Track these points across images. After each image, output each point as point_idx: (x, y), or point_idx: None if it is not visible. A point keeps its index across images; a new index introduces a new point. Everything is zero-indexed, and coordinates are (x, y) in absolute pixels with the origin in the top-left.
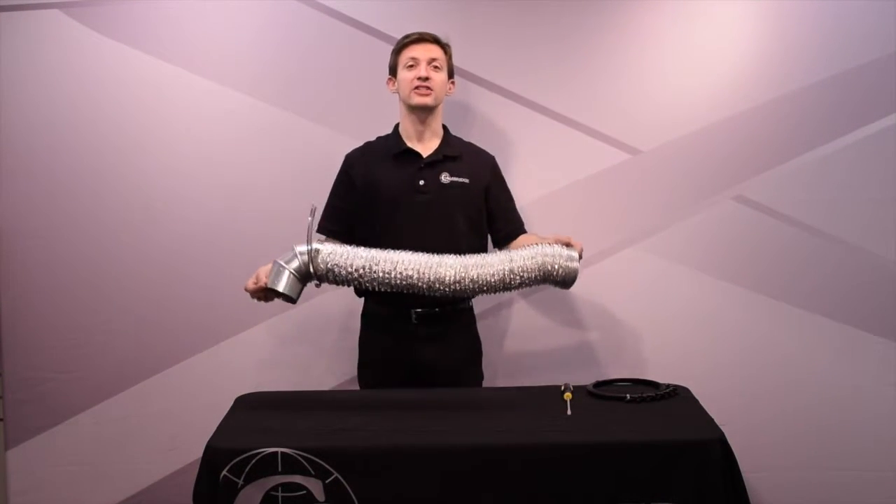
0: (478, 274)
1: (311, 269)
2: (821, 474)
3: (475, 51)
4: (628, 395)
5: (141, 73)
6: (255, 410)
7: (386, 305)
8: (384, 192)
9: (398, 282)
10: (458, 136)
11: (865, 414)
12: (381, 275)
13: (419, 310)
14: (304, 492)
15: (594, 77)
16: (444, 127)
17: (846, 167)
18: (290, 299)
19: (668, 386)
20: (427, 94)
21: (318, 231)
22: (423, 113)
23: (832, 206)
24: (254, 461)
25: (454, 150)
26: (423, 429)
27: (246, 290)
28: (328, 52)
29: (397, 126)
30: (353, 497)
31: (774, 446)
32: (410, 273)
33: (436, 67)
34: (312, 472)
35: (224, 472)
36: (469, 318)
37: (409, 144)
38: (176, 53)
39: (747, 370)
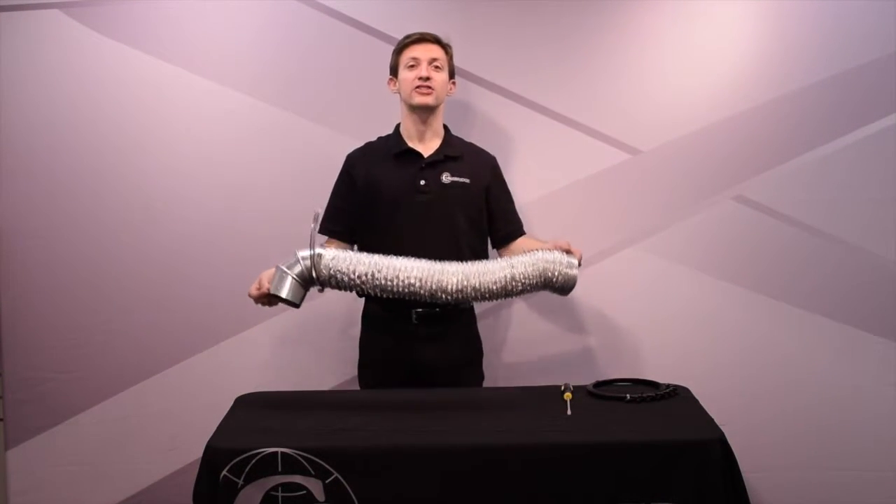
0: (480, 282)
1: (314, 275)
2: (821, 474)
3: (475, 51)
4: (628, 395)
5: (141, 73)
6: (255, 410)
7: (386, 306)
8: (385, 191)
9: (400, 289)
10: (458, 136)
11: (865, 414)
12: (383, 282)
13: (419, 310)
14: (304, 492)
15: (594, 77)
16: (446, 127)
17: (846, 167)
18: (294, 304)
19: (668, 386)
20: (428, 94)
21: (320, 232)
22: (424, 113)
23: (832, 206)
24: (254, 461)
25: (455, 151)
26: (423, 429)
27: (249, 295)
28: (328, 52)
29: (398, 126)
30: (353, 497)
31: (774, 446)
32: (413, 281)
33: (437, 67)
34: (312, 472)
35: (224, 472)
36: (469, 318)
37: (410, 144)
38: (176, 53)
39: (747, 370)
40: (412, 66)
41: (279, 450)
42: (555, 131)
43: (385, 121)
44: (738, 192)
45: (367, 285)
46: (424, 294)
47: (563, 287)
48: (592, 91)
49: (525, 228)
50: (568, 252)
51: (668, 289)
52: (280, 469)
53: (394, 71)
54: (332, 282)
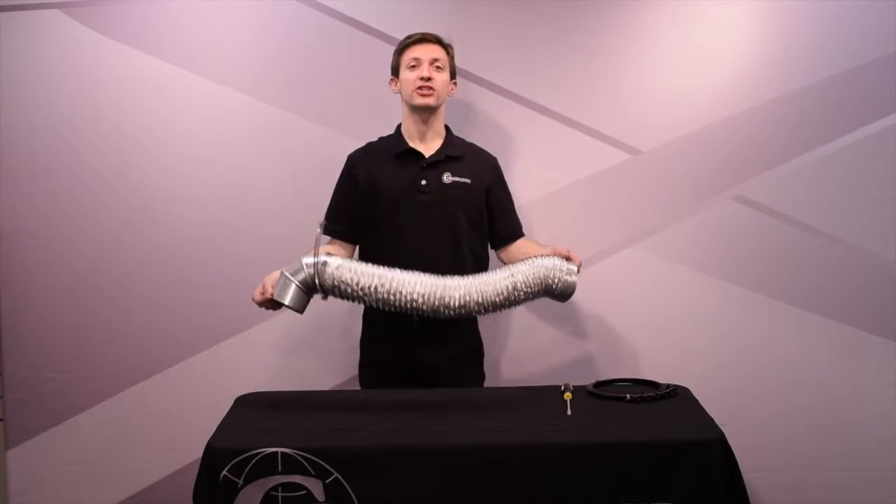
0: (482, 296)
1: (318, 283)
2: (821, 474)
3: (475, 51)
4: (628, 395)
5: (141, 73)
6: (255, 410)
7: None
8: (386, 191)
9: (403, 304)
10: (459, 136)
11: (865, 414)
12: (385, 296)
13: None
14: (304, 492)
15: (594, 77)
16: (447, 127)
17: (846, 167)
18: (297, 311)
19: (668, 386)
20: (429, 95)
21: (322, 232)
22: (425, 113)
23: (832, 206)
24: (254, 461)
25: (456, 151)
26: (423, 429)
27: (253, 300)
28: (328, 52)
29: (399, 126)
30: (353, 497)
31: (774, 446)
32: (415, 297)
33: (438, 68)
34: (312, 472)
35: (224, 472)
36: (470, 318)
37: (412, 144)
38: (176, 53)
39: (747, 370)
40: (413, 67)
41: (279, 450)
42: (555, 131)
43: (385, 121)
44: (738, 192)
45: (370, 298)
46: (427, 310)
47: (562, 293)
48: (592, 91)
49: (525, 229)
50: (567, 259)
51: (668, 289)
52: (280, 469)
53: (395, 71)
54: (336, 291)
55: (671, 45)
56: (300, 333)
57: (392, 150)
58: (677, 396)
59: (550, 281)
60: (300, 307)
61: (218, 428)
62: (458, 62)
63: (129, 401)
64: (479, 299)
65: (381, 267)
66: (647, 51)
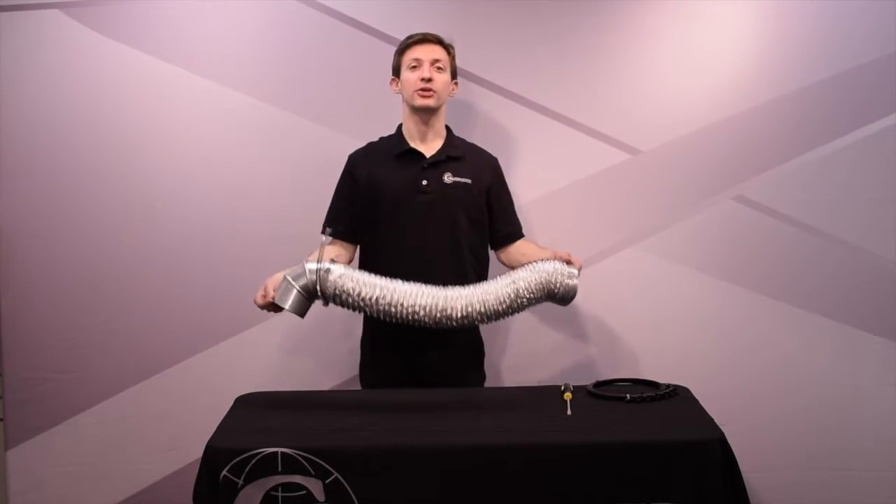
0: (484, 305)
1: (319, 290)
2: (821, 474)
3: (475, 51)
4: (628, 395)
5: (141, 73)
6: (255, 410)
7: None
8: (387, 191)
9: (405, 316)
10: (460, 136)
11: (865, 414)
12: (386, 307)
13: None
14: (304, 492)
15: (594, 77)
16: (447, 127)
17: (846, 167)
18: (298, 315)
19: (668, 386)
20: (429, 97)
21: (324, 232)
22: (425, 114)
23: (832, 206)
24: (254, 461)
25: (457, 151)
26: (423, 429)
27: (255, 302)
28: (328, 52)
29: (400, 126)
30: (353, 497)
31: (774, 446)
32: (417, 309)
33: (439, 69)
34: (312, 472)
35: (224, 472)
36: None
37: (412, 144)
38: (176, 53)
39: (747, 370)
40: (414, 68)
41: (279, 450)
42: (555, 131)
43: (385, 121)
44: (738, 192)
45: (371, 309)
46: (429, 322)
47: (564, 297)
48: (592, 91)
49: (525, 229)
50: (568, 262)
51: (668, 289)
52: (280, 469)
53: (396, 71)
54: (337, 300)
55: (671, 45)
56: (300, 333)
57: (393, 150)
58: (677, 396)
59: (552, 286)
60: (301, 312)
61: (218, 428)
62: (458, 62)
63: (129, 401)
64: (482, 309)
65: (384, 278)
66: (647, 51)
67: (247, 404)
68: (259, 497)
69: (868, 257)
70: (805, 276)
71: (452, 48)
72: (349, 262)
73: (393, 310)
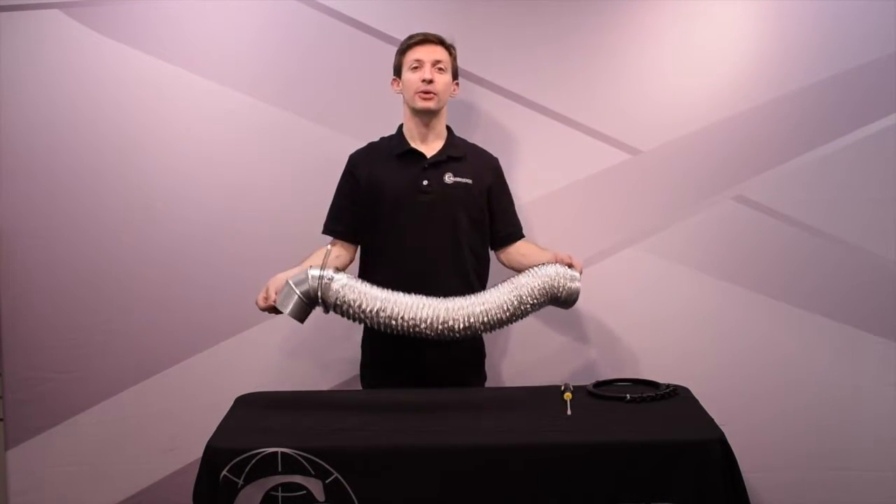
0: (487, 315)
1: (320, 298)
2: (821, 474)
3: (475, 51)
4: (628, 395)
5: (141, 73)
6: (255, 410)
7: None
8: (388, 192)
9: (406, 329)
10: (460, 136)
11: (865, 414)
12: (387, 321)
13: None
14: (304, 492)
15: (594, 77)
16: (448, 128)
17: (846, 167)
18: (298, 320)
19: (668, 386)
20: (430, 99)
21: (324, 232)
22: (426, 116)
23: (832, 206)
24: (254, 461)
25: (458, 151)
26: (423, 429)
27: (256, 304)
28: (328, 52)
29: (401, 126)
30: (353, 497)
31: (774, 446)
32: (418, 322)
33: (440, 69)
34: (312, 472)
35: (224, 472)
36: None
37: (413, 145)
38: (176, 53)
39: (747, 370)
40: (416, 68)
41: (279, 450)
42: (555, 131)
43: (385, 121)
44: (738, 192)
45: (372, 321)
46: (431, 335)
47: (567, 301)
48: (592, 91)
49: (525, 229)
50: (570, 266)
51: (668, 289)
52: (280, 469)
53: (397, 72)
54: (338, 309)
55: (671, 45)
56: (301, 334)
57: (393, 150)
58: (677, 396)
59: (556, 290)
60: (301, 318)
61: (218, 428)
62: (458, 62)
63: (129, 401)
64: (485, 319)
65: (386, 290)
66: (647, 51)
67: (247, 404)
68: (259, 497)
69: (868, 257)
70: (805, 276)
71: (454, 48)
72: (350, 262)
73: (394, 322)
